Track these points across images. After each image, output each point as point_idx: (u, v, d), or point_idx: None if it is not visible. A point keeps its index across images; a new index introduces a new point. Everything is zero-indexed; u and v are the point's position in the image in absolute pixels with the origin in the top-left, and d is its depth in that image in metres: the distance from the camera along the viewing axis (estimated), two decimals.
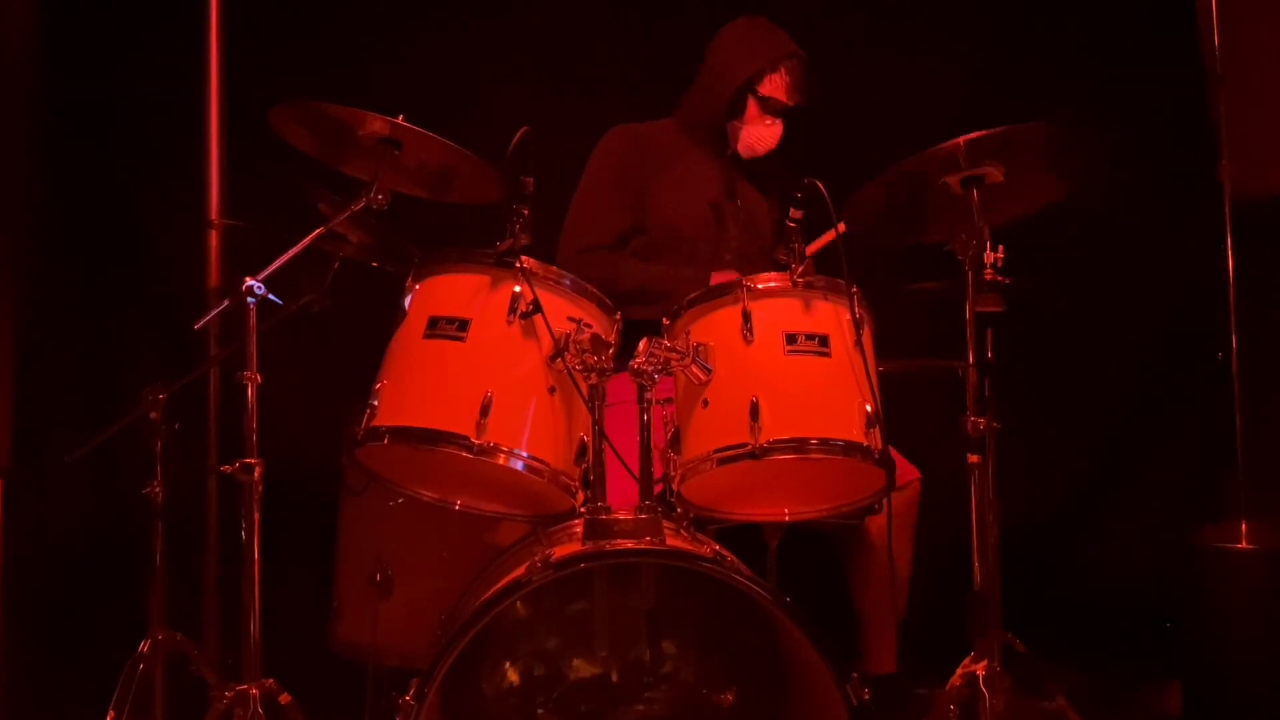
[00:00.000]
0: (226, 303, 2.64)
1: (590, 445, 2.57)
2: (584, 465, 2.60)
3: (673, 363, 2.56)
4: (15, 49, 3.44)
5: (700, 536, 2.57)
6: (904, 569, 3.17)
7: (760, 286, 2.64)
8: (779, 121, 3.40)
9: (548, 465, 2.57)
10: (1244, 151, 3.60)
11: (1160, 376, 3.96)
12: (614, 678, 2.74)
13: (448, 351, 2.60)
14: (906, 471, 3.11)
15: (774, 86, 3.37)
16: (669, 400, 2.70)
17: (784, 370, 2.59)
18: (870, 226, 2.84)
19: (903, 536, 3.12)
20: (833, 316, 2.63)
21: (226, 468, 2.62)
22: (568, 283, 2.66)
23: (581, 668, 2.74)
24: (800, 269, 2.63)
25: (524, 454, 2.54)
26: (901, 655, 3.18)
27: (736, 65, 3.38)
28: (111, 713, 2.70)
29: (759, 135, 3.41)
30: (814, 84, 3.40)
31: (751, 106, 3.39)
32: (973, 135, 2.61)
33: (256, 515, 2.60)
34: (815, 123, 3.44)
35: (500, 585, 2.34)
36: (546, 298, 2.58)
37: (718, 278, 3.24)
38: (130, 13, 3.68)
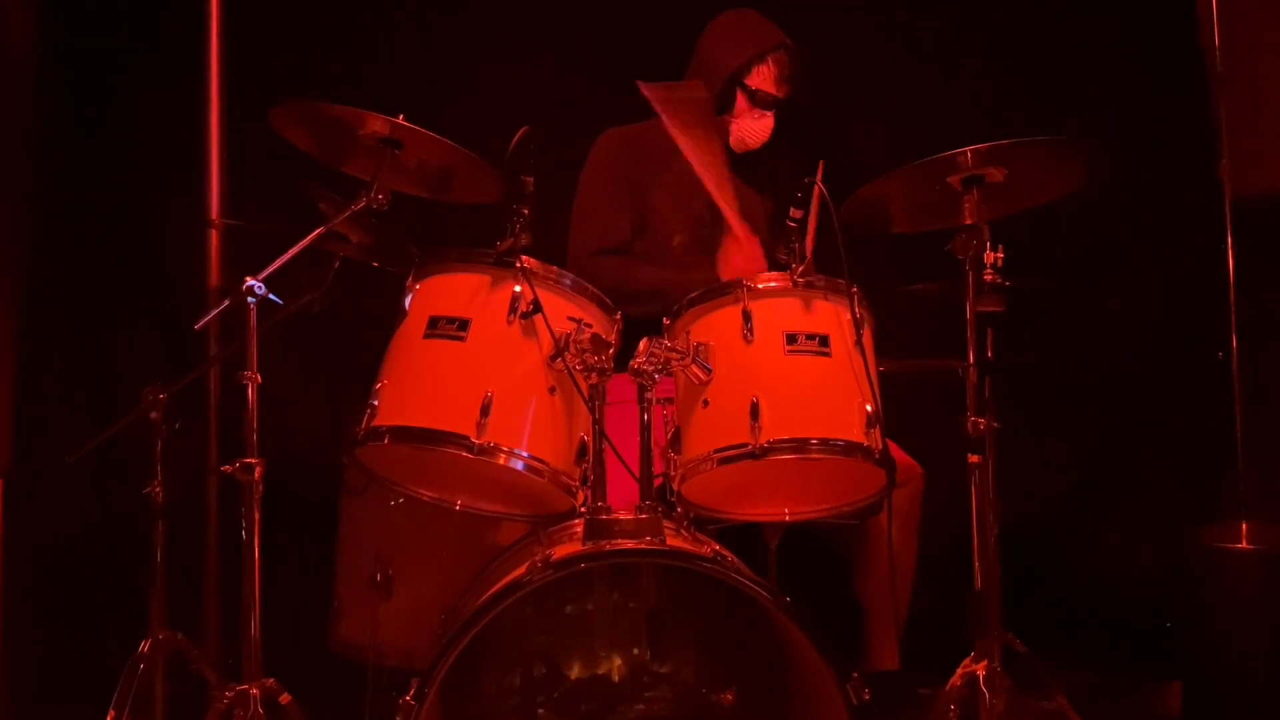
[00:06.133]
0: (226, 303, 2.64)
1: (590, 445, 2.57)
2: (584, 465, 2.60)
3: (673, 363, 2.56)
4: (15, 49, 3.44)
5: (700, 536, 2.57)
6: (909, 564, 3.17)
7: (760, 286, 2.64)
8: (769, 114, 3.38)
9: (548, 465, 2.57)
10: (1244, 151, 3.60)
11: (1160, 376, 3.96)
12: (614, 678, 2.74)
13: (448, 351, 2.60)
14: (909, 467, 3.11)
15: (762, 78, 3.35)
16: (669, 400, 2.70)
17: (784, 370, 2.59)
18: (869, 220, 2.84)
19: (907, 532, 3.12)
20: (833, 316, 2.63)
21: (226, 468, 2.62)
22: (568, 282, 2.66)
23: (581, 668, 2.74)
24: (800, 269, 2.63)
25: (524, 454, 2.54)
26: (903, 652, 3.18)
27: (723, 58, 3.36)
28: (111, 713, 2.70)
29: (749, 128, 3.39)
30: (804, 75, 3.38)
31: (740, 99, 3.36)
32: (978, 146, 2.61)
33: (256, 515, 2.60)
34: (816, 123, 3.44)
35: (500, 585, 2.34)
36: (546, 297, 2.58)
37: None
38: (130, 13, 3.68)
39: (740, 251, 3.29)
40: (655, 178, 3.41)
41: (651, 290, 3.25)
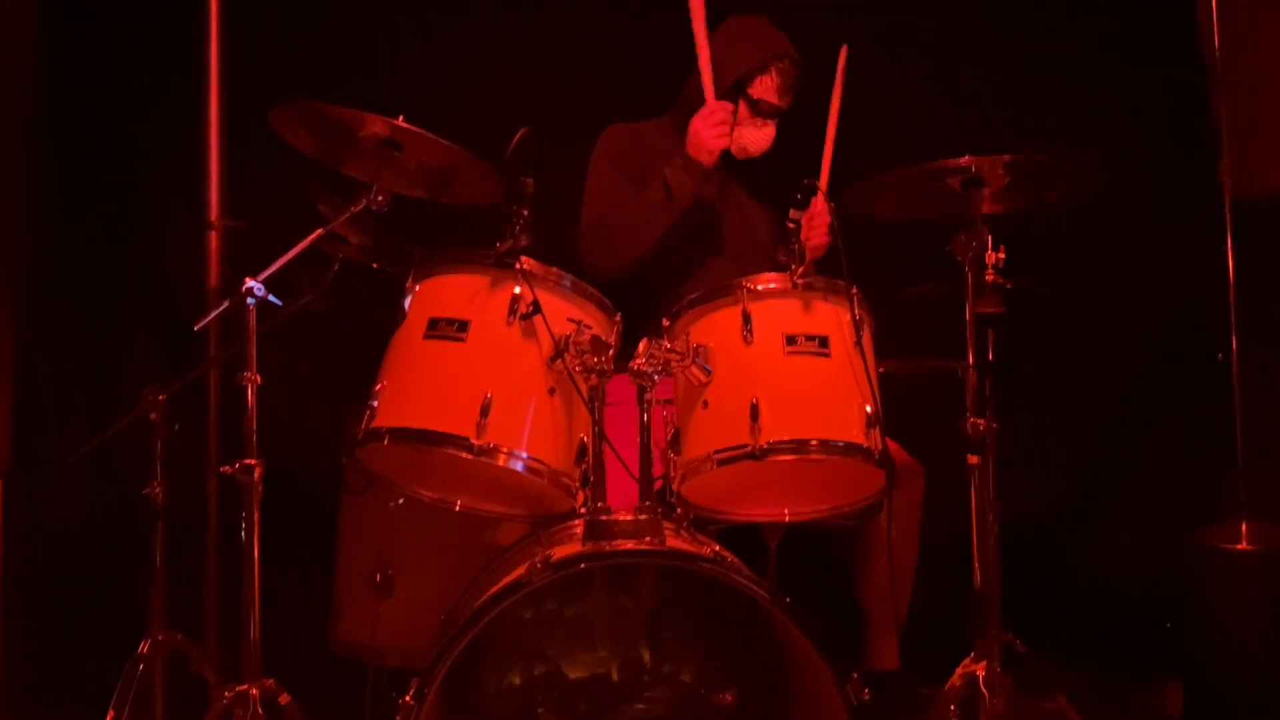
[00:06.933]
0: (226, 303, 2.64)
1: (590, 446, 2.57)
2: (584, 466, 2.60)
3: (673, 364, 2.56)
4: (15, 49, 3.44)
5: (700, 537, 2.57)
6: (909, 564, 3.17)
7: (760, 287, 2.64)
8: (771, 123, 3.36)
9: (547, 466, 2.57)
10: (1244, 151, 3.60)
11: (1160, 376, 3.96)
12: (614, 678, 2.74)
13: (448, 352, 2.60)
14: (911, 467, 3.11)
15: (764, 88, 3.32)
16: (669, 401, 2.70)
17: (784, 371, 2.59)
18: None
19: (907, 532, 3.12)
20: (833, 317, 2.63)
21: (226, 468, 2.62)
22: (567, 284, 2.66)
23: (581, 668, 2.74)
24: (800, 270, 2.63)
25: (524, 455, 2.55)
26: (903, 652, 3.18)
27: (727, 65, 3.33)
28: (111, 713, 2.71)
29: (751, 137, 3.37)
30: (806, 86, 3.37)
31: (742, 108, 3.34)
32: (980, 158, 2.62)
33: (256, 515, 2.60)
34: (815, 123, 3.44)
35: (500, 585, 2.34)
36: (546, 299, 2.58)
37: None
38: (130, 12, 3.68)
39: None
40: (655, 175, 3.40)
41: (655, 209, 3.23)
